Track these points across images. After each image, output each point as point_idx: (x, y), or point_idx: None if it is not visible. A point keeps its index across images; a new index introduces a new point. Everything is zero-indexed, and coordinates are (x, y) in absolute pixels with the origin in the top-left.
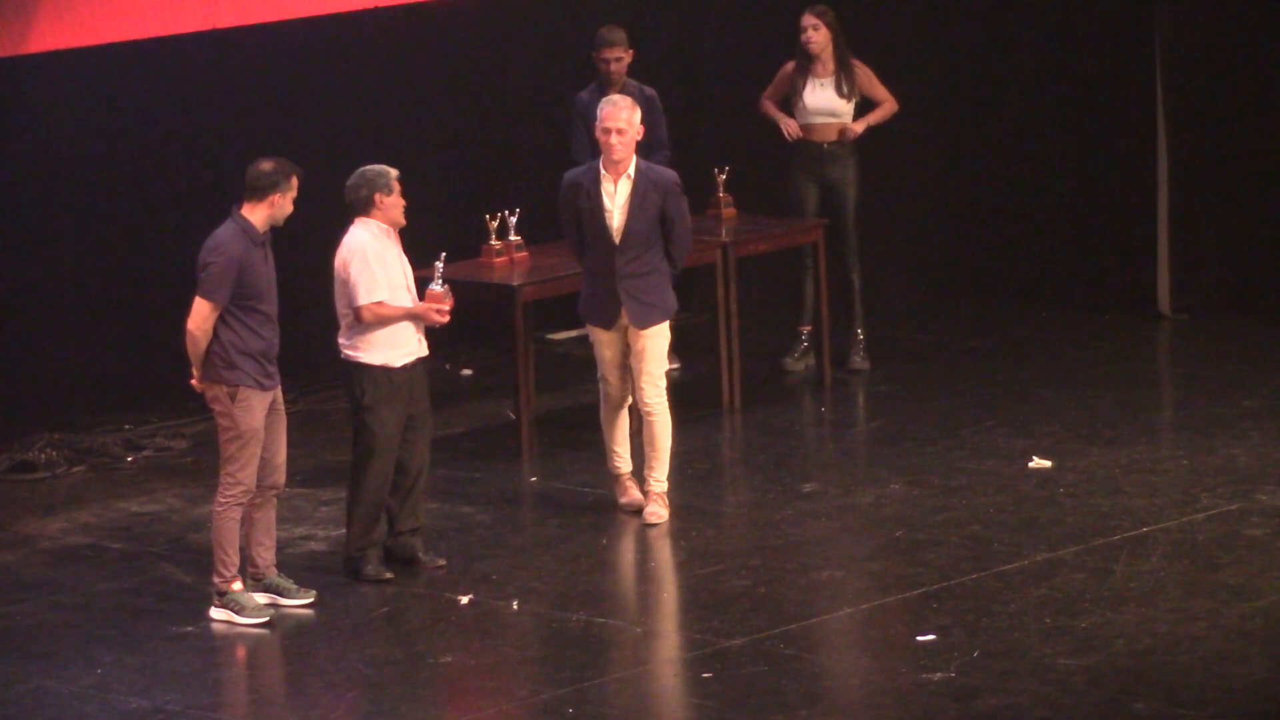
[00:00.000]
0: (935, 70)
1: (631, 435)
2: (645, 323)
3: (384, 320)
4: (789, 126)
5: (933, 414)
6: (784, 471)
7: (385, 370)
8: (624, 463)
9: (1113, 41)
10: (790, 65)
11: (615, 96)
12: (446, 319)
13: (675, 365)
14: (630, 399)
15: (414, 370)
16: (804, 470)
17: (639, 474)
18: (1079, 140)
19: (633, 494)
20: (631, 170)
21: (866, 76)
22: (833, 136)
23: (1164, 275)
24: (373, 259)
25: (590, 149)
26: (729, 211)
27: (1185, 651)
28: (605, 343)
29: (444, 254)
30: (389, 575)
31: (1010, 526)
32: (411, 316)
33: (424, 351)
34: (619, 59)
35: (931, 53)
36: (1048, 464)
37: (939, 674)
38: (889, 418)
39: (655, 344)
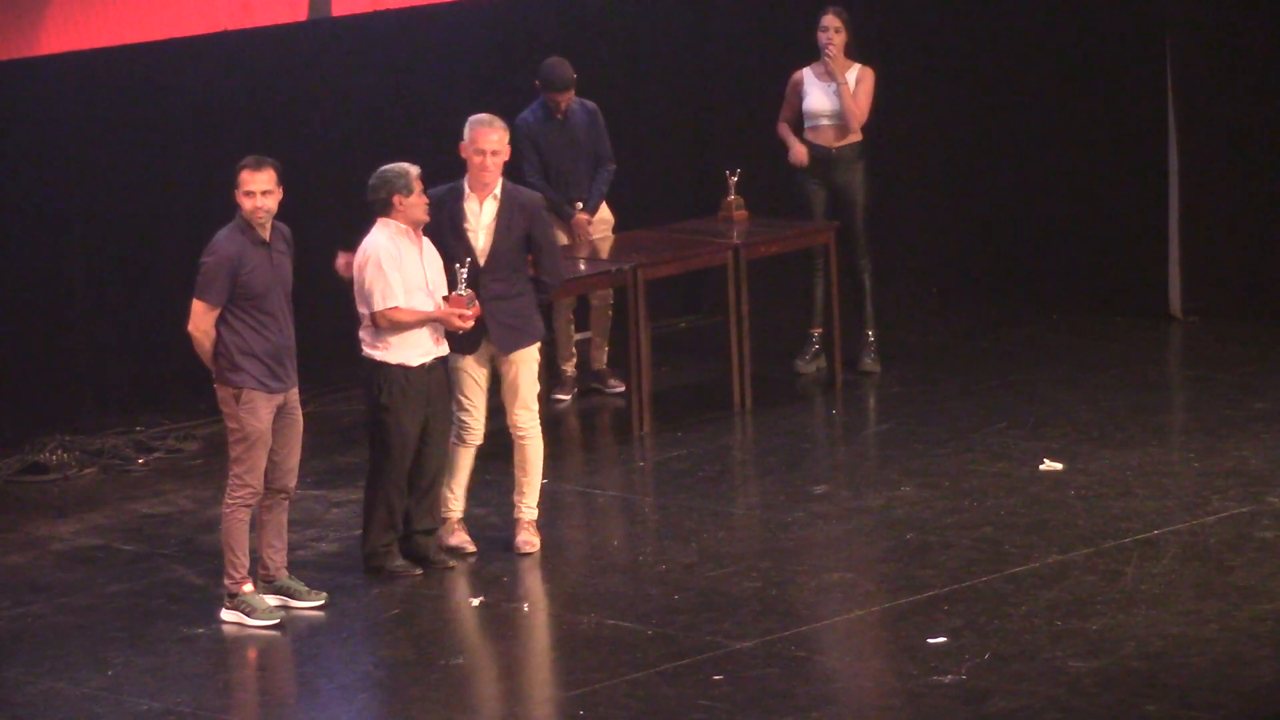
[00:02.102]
0: (947, 71)
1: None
2: (513, 347)
3: (399, 325)
4: (796, 154)
5: (944, 416)
6: (795, 473)
7: (403, 369)
8: (459, 505)
9: (1123, 43)
10: (798, 75)
11: (486, 116)
12: (469, 324)
13: (563, 397)
14: (481, 439)
15: (432, 370)
16: (815, 472)
17: (472, 504)
18: (1090, 142)
19: (461, 536)
20: (498, 190)
21: (865, 86)
22: (839, 140)
23: (1175, 277)
24: (387, 263)
25: (542, 172)
26: (740, 214)
27: (1197, 654)
28: (468, 369)
29: (469, 259)
30: (418, 571)
31: (1021, 529)
32: (431, 321)
33: (443, 351)
34: (569, 100)
35: (943, 54)
36: (1059, 466)
37: (950, 676)
38: (900, 420)
39: (528, 369)
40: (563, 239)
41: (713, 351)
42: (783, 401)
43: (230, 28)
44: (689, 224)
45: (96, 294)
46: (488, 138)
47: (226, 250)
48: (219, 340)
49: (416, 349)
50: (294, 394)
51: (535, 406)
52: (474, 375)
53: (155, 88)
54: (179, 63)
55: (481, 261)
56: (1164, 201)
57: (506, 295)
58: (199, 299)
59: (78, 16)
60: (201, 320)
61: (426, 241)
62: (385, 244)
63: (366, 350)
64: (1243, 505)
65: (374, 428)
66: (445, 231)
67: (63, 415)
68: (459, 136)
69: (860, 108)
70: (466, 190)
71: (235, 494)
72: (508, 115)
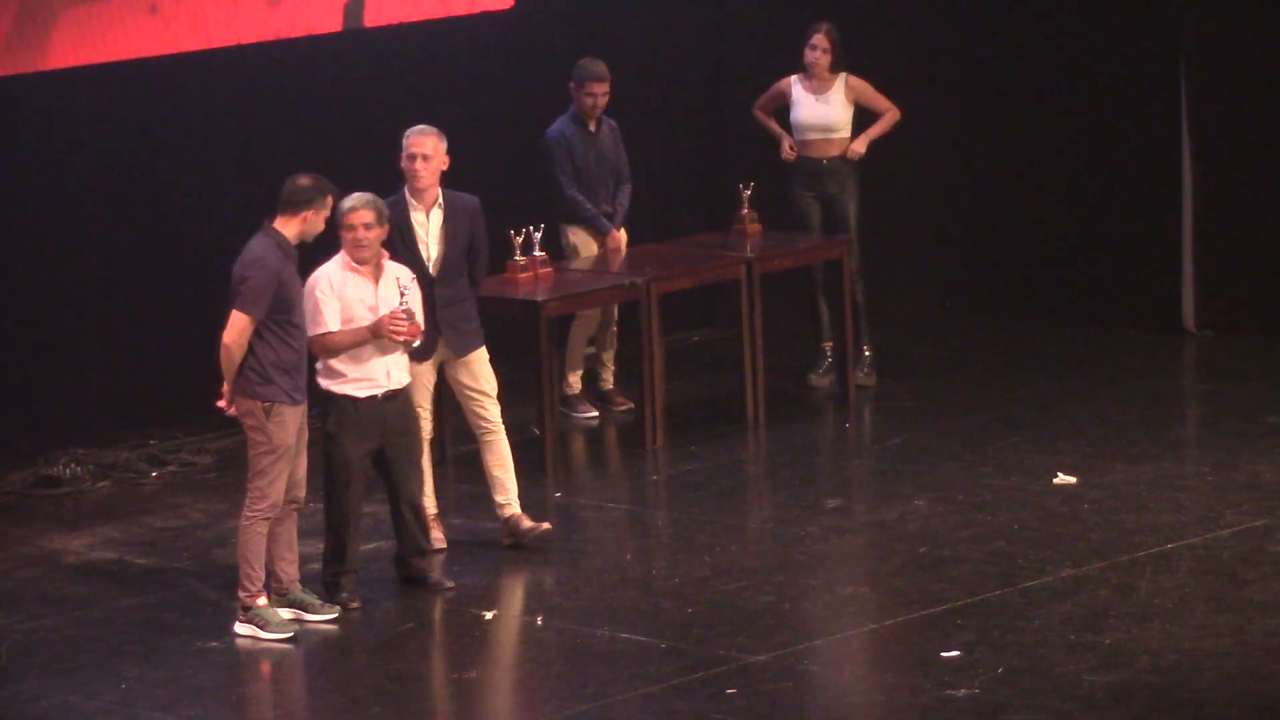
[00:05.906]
0: (956, 81)
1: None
2: (466, 349)
3: (333, 349)
4: (786, 150)
5: (957, 430)
6: (808, 487)
7: (349, 400)
8: (430, 503)
9: (1136, 53)
10: (786, 82)
11: (423, 125)
12: (404, 337)
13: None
14: (431, 435)
15: (384, 403)
16: (828, 486)
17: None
18: (1103, 155)
19: (435, 533)
20: (440, 199)
21: (866, 90)
22: (830, 152)
23: (1189, 291)
24: (321, 290)
25: (577, 182)
26: (754, 228)
27: (1210, 668)
28: (421, 375)
29: (413, 276)
30: (355, 605)
31: (1035, 543)
32: (364, 339)
33: (396, 385)
34: (605, 94)
35: (951, 63)
36: (1072, 480)
37: (963, 690)
38: (913, 433)
39: (484, 365)
40: (594, 249)
41: (725, 365)
42: (795, 415)
43: (265, 39)
44: (702, 238)
45: (109, 307)
46: (421, 143)
47: (273, 264)
48: (249, 354)
49: (362, 381)
50: (304, 405)
51: (497, 400)
52: (425, 381)
53: (169, 101)
54: (212, 74)
55: (433, 271)
56: (1177, 215)
57: (455, 300)
58: (243, 311)
59: (89, 31)
60: (242, 334)
61: (394, 281)
62: (328, 271)
63: (317, 378)
64: (1257, 519)
65: (323, 456)
66: (395, 244)
67: (75, 429)
68: (489, 146)
69: (886, 106)
70: (410, 201)
71: (256, 506)
72: (532, 124)
